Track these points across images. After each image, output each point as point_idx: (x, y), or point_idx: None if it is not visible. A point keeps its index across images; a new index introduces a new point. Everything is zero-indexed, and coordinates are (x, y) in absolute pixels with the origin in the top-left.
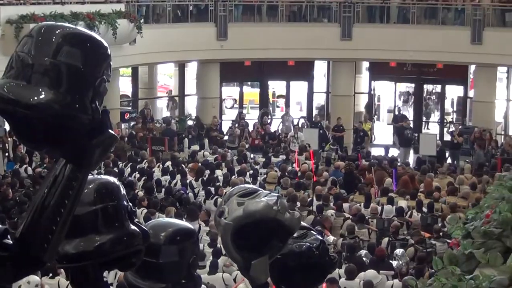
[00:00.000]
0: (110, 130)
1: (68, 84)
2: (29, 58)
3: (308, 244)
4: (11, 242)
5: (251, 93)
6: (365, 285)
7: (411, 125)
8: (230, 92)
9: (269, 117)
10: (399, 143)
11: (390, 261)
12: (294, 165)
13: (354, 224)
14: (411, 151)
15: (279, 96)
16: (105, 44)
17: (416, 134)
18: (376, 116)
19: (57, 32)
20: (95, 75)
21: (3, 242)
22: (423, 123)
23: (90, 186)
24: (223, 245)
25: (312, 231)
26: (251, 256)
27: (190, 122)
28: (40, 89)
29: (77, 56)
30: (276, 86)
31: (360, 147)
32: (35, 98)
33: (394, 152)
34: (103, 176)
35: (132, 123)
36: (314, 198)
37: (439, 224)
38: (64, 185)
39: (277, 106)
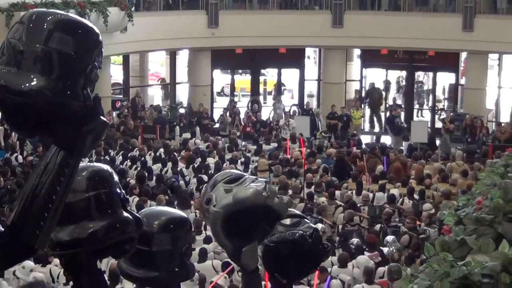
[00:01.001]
0: (101, 117)
1: (59, 71)
2: (20, 45)
3: (301, 232)
4: (3, 229)
5: (243, 81)
6: (365, 272)
7: (402, 114)
8: (222, 79)
9: (258, 105)
10: (390, 132)
11: (381, 248)
12: (288, 155)
13: (353, 212)
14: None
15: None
16: (97, 30)
17: (406, 125)
18: (367, 104)
19: (48, 18)
20: (86, 62)
21: None
22: (416, 110)
23: (83, 174)
24: (213, 233)
25: (306, 219)
26: (241, 243)
27: (181, 110)
28: (32, 76)
29: (68, 43)
30: (275, 74)
31: (350, 134)
32: (27, 84)
33: (386, 140)
34: (95, 164)
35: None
36: (305, 186)
37: (432, 211)
38: (56, 172)
39: (269, 94)
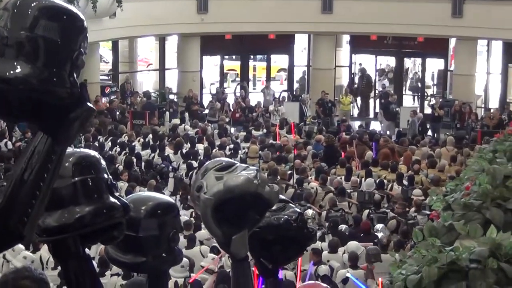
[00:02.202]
0: (87, 103)
1: (45, 58)
2: (4, 31)
3: (286, 216)
4: None
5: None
6: (350, 257)
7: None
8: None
9: (246, 91)
10: (384, 117)
11: (376, 234)
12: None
13: (335, 197)
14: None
15: (280, 70)
16: (82, 16)
17: (399, 109)
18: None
19: (33, 5)
20: (72, 48)
21: None
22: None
23: (70, 159)
24: (203, 220)
25: (290, 204)
26: (230, 231)
27: (172, 96)
28: (16, 63)
29: (54, 29)
30: (277, 60)
31: (341, 120)
32: (11, 72)
33: (375, 125)
34: (82, 150)
35: (112, 97)
36: (294, 172)
37: (422, 197)
38: (43, 159)
39: (258, 80)
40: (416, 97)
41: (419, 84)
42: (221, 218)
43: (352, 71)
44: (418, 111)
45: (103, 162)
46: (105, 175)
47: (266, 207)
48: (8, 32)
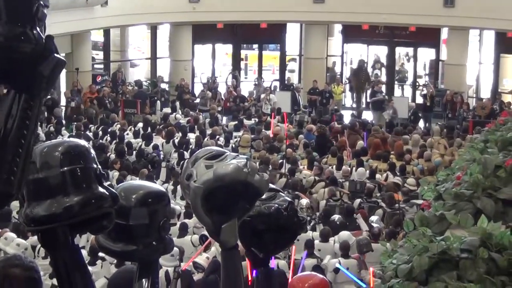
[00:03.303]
0: (55, 55)
1: (6, 15)
2: None
3: (277, 205)
4: None
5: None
6: (341, 246)
7: (383, 89)
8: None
9: (237, 80)
10: (372, 107)
11: (372, 225)
12: (270, 130)
13: (333, 188)
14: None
15: (291, 60)
16: None
17: (387, 97)
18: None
19: None
20: (32, 1)
21: None
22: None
23: (59, 149)
24: (193, 209)
25: (281, 193)
26: (220, 219)
27: (163, 85)
28: None
29: None
30: (290, 49)
31: (334, 109)
32: None
33: (366, 115)
34: (72, 139)
35: (102, 86)
36: (285, 161)
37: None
38: (20, 117)
39: (250, 70)
40: (401, 87)
41: (406, 75)
42: (211, 206)
43: (344, 61)
44: (410, 100)
45: (92, 152)
46: (94, 165)
47: (256, 196)
48: None
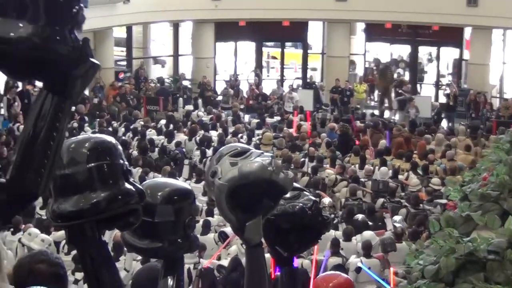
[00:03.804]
0: (91, 59)
1: (46, 16)
2: None
3: (301, 204)
4: (4, 180)
5: (293, 54)
6: (363, 245)
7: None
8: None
9: (259, 78)
10: (398, 107)
11: (394, 225)
12: (292, 129)
13: (355, 185)
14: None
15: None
16: None
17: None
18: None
19: None
20: (72, 4)
21: None
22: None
23: (86, 145)
24: (217, 206)
25: (305, 192)
26: (244, 217)
27: (185, 82)
28: (20, 24)
29: None
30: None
31: (354, 107)
32: (15, 32)
33: (388, 115)
34: (98, 135)
35: (124, 83)
36: (307, 160)
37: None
38: (51, 118)
39: (272, 68)
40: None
41: (422, 74)
42: (235, 204)
43: (366, 59)
44: (432, 100)
45: (119, 148)
46: (121, 161)
47: (280, 194)
48: None
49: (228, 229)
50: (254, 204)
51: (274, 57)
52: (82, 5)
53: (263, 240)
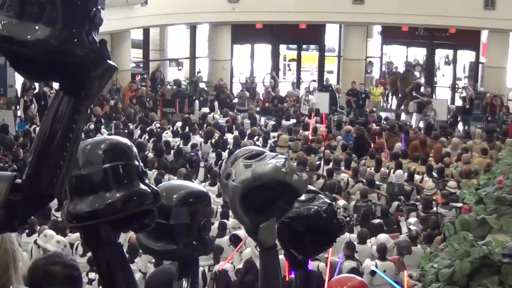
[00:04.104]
0: (108, 61)
1: (64, 19)
2: None
3: (316, 207)
4: (20, 181)
5: (310, 56)
6: (378, 248)
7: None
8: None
9: (275, 81)
10: (415, 109)
11: (409, 227)
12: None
13: (367, 188)
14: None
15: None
16: None
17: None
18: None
19: None
20: (89, 7)
21: (15, 183)
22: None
23: (101, 146)
24: (231, 208)
25: (320, 195)
26: (258, 219)
27: (202, 85)
28: (37, 26)
29: None
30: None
31: (369, 110)
32: (32, 35)
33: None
34: (114, 136)
35: (142, 84)
36: (322, 162)
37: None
38: (67, 119)
39: (289, 69)
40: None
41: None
42: (249, 206)
43: (383, 62)
44: (449, 103)
45: (134, 149)
46: (136, 162)
47: (294, 196)
48: None
49: (241, 232)
50: (267, 206)
51: (292, 59)
52: (99, 7)
53: (277, 242)
